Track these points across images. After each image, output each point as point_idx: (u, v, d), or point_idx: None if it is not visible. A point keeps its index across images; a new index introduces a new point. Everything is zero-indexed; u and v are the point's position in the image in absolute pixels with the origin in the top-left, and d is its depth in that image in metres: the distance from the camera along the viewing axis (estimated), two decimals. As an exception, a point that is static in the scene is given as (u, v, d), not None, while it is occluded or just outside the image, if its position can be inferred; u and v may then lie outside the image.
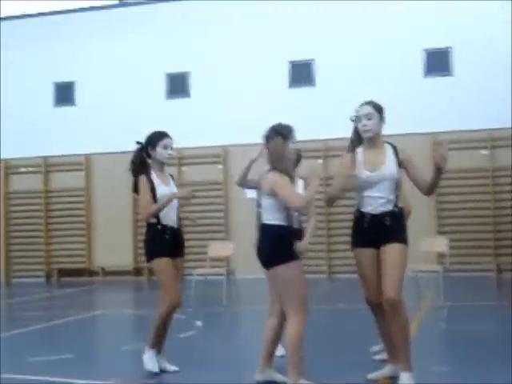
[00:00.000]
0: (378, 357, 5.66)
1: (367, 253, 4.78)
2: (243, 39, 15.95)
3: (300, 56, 15.77)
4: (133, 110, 16.46)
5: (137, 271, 16.38)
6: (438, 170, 4.63)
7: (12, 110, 17.12)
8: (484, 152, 14.60)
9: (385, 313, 4.68)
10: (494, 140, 14.49)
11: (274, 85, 15.76)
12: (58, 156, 17.04)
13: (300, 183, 5.59)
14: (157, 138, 5.52)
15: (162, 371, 5.38)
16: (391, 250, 4.70)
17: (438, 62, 15.01)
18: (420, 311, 8.64)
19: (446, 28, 14.86)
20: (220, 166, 16.05)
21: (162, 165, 5.55)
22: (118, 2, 17.16)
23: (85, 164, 16.99)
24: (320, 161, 15.41)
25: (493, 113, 14.21)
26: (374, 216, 4.78)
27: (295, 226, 4.81)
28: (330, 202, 4.91)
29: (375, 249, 4.78)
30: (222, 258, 13.08)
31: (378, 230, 4.74)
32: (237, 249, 11.69)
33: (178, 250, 5.46)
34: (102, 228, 16.75)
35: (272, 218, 4.74)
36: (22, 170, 17.41)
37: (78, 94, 17.18)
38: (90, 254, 16.90)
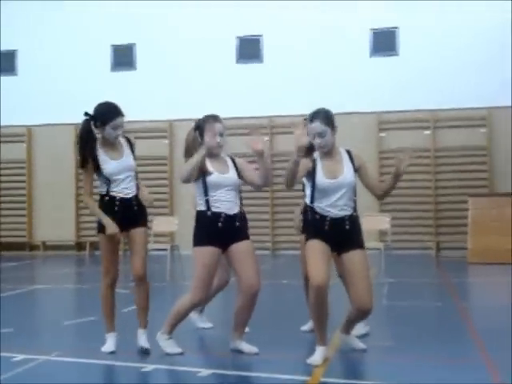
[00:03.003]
0: (305, 327, 5.91)
1: (323, 245, 4.80)
2: (192, 12, 15.75)
3: (248, 31, 15.69)
4: (77, 81, 16.12)
5: (79, 246, 16.16)
6: (396, 177, 4.85)
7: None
8: (426, 132, 14.86)
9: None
10: (436, 120, 14.76)
11: (221, 60, 15.65)
12: (-1, 127, 16.59)
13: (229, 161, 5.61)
14: (108, 116, 5.13)
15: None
16: (356, 259, 4.83)
17: (384, 42, 15.15)
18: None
19: (394, 8, 14.97)
20: (166, 141, 15.91)
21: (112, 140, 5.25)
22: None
23: (26, 135, 16.60)
24: (266, 138, 15.41)
25: (436, 93, 14.46)
26: (334, 220, 4.84)
27: (215, 209, 4.99)
28: (289, 182, 4.78)
29: (332, 250, 4.87)
30: (167, 233, 13.02)
31: (339, 234, 4.83)
32: (181, 224, 11.63)
33: (129, 221, 5.21)
34: (44, 202, 16.45)
35: (197, 202, 5.11)
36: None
37: (20, 62, 16.71)
38: (31, 228, 16.59)
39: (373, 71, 14.95)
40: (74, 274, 13.11)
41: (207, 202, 5.05)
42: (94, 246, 15.87)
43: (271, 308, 7.01)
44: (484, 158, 14.59)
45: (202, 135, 5.12)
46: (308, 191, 4.98)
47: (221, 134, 5.13)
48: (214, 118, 5.16)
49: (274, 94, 15.17)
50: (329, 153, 4.95)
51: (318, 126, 4.87)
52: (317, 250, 4.80)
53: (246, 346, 5.14)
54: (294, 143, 4.56)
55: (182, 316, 5.17)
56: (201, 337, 5.94)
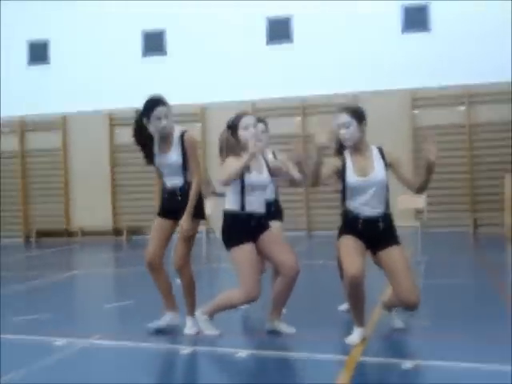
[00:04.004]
0: (342, 307, 5.92)
1: (356, 240, 4.79)
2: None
3: (278, 12, 15.58)
4: (109, 68, 16.24)
5: (116, 231, 16.35)
6: (429, 169, 4.72)
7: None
8: (461, 108, 14.64)
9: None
10: (470, 96, 14.53)
11: (251, 42, 15.60)
12: (34, 115, 16.79)
13: (271, 157, 5.66)
14: (148, 108, 5.14)
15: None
16: (395, 255, 4.79)
17: (416, 18, 14.92)
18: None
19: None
20: (198, 125, 15.95)
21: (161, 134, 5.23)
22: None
23: (61, 124, 16.79)
24: (298, 118, 15.37)
25: (469, 69, 14.22)
26: (367, 220, 4.81)
27: (249, 209, 4.99)
28: (313, 181, 4.75)
29: (366, 248, 4.87)
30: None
31: (372, 234, 4.81)
32: (216, 208, 11.69)
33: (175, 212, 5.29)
34: (81, 188, 16.65)
35: (226, 201, 5.08)
36: (3, 130, 17.15)
37: (53, 52, 16.87)
38: (69, 215, 16.83)
39: (405, 48, 14.75)
40: (112, 259, 13.28)
41: (242, 201, 5.04)
42: (131, 231, 16.05)
43: (307, 289, 7.02)
44: (521, 132, 14.33)
45: (235, 133, 5.09)
46: (340, 189, 4.93)
47: (254, 126, 5.11)
48: (242, 114, 5.16)
49: (306, 74, 15.08)
50: (359, 149, 4.88)
51: (343, 116, 4.84)
52: (350, 243, 4.79)
53: (283, 326, 5.18)
54: (313, 142, 4.53)
55: (231, 307, 5.20)
56: (238, 318, 5.98)
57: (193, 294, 5.36)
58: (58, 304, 7.12)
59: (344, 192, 4.89)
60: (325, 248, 12.19)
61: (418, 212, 12.71)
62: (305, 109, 15.39)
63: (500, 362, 4.16)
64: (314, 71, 15.07)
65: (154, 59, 16.25)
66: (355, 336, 4.79)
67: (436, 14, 14.76)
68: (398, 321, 5.16)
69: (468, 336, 4.99)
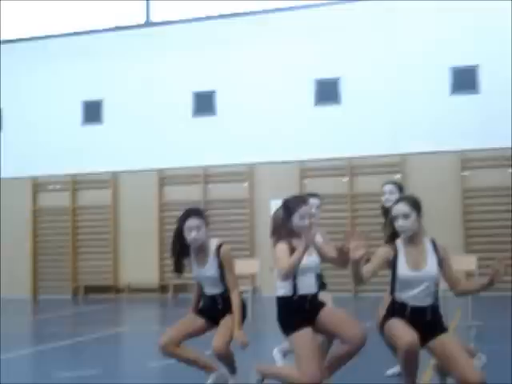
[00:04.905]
0: (390, 372, 5.80)
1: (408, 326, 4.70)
2: (269, 57, 16.03)
3: (326, 74, 15.79)
4: (160, 128, 16.61)
5: (162, 288, 16.41)
6: (489, 284, 4.65)
7: (41, 128, 17.37)
8: (509, 170, 14.45)
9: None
10: (519, 158, 14.35)
11: (299, 103, 15.80)
12: (86, 174, 17.20)
13: (320, 237, 5.60)
14: (182, 219, 5.29)
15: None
16: (447, 340, 4.70)
17: (464, 80, 14.93)
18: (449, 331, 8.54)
19: (474, 45, 14.80)
20: (245, 184, 16.08)
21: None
22: (144, 22, 17.36)
23: (111, 181, 17.13)
24: (345, 179, 15.37)
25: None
26: (415, 309, 4.74)
27: (302, 292, 4.91)
28: (357, 281, 4.70)
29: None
30: (248, 275, 13.06)
31: (420, 323, 4.70)
32: (262, 266, 11.67)
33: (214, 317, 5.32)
34: (128, 245, 16.84)
35: (278, 286, 4.94)
36: (50, 187, 17.60)
37: (106, 112, 17.36)
38: (116, 271, 16.99)
39: (454, 109, 14.73)
40: (158, 316, 13.29)
41: (295, 286, 4.95)
42: (177, 288, 16.09)
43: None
44: None
45: (289, 216, 5.01)
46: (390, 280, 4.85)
47: (310, 216, 5.05)
48: (303, 201, 5.09)
49: (353, 135, 15.16)
50: (413, 240, 4.80)
51: (403, 206, 4.76)
52: (400, 322, 4.70)
53: None
54: (351, 255, 4.49)
55: (285, 381, 5.04)
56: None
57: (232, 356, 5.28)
58: (104, 361, 7.13)
59: (393, 283, 4.82)
60: (372, 310, 11.98)
61: (469, 274, 12.44)
62: (352, 169, 15.40)
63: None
64: (362, 132, 15.14)
65: (204, 120, 16.56)
66: None
67: (485, 75, 14.74)
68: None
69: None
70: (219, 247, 5.26)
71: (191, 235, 5.16)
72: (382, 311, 5.11)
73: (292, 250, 4.90)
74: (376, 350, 5.40)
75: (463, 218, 14.45)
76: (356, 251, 4.46)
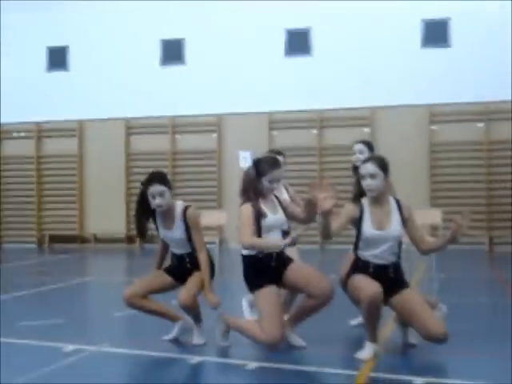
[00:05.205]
0: (354, 322, 5.89)
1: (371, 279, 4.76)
2: (240, 6, 15.72)
3: (297, 24, 15.58)
4: (127, 76, 16.30)
5: (129, 238, 16.35)
6: (451, 241, 4.71)
7: (6, 74, 16.92)
8: (480, 125, 14.54)
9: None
10: (490, 113, 14.42)
11: (270, 53, 15.60)
12: (51, 122, 16.88)
13: (284, 191, 5.69)
14: (145, 184, 5.22)
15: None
16: (409, 295, 4.79)
17: (435, 33, 14.85)
18: (412, 283, 8.65)
19: (445, -1, 14.68)
20: (214, 135, 15.95)
21: None
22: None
23: (78, 130, 16.86)
24: (315, 131, 15.33)
25: (490, 86, 14.12)
26: (377, 266, 4.82)
27: (266, 252, 4.91)
28: (325, 236, 4.73)
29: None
30: (215, 226, 13.06)
31: (382, 280, 4.75)
32: (229, 218, 11.67)
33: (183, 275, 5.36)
34: (95, 195, 16.69)
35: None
36: (14, 134, 17.27)
37: (72, 59, 16.97)
38: (82, 221, 16.86)
39: (424, 62, 14.67)
40: (124, 267, 13.27)
41: None
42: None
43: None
44: (540, 151, 14.20)
45: (259, 177, 5.01)
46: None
47: (278, 180, 5.07)
48: (277, 165, 5.07)
49: (323, 87, 15.05)
50: (378, 200, 4.85)
51: (371, 166, 4.80)
52: (363, 276, 4.77)
53: (294, 339, 5.11)
54: (320, 207, 4.48)
55: (250, 339, 5.04)
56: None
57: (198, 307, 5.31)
58: (68, 310, 7.09)
59: (357, 241, 4.88)
60: (337, 262, 12.10)
61: (434, 228, 12.60)
62: (322, 122, 15.34)
63: (515, 383, 4.08)
64: (332, 84, 15.03)
65: (173, 68, 16.29)
66: (367, 351, 4.72)
67: (456, 28, 14.67)
68: (411, 336, 5.08)
69: (480, 354, 4.90)
70: (185, 210, 5.26)
71: (155, 202, 5.16)
72: (345, 267, 5.17)
73: (257, 213, 4.93)
74: (340, 300, 5.44)
75: (430, 171, 14.56)
76: (325, 202, 4.46)
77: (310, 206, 4.74)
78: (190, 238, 5.26)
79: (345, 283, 5.01)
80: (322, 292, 4.86)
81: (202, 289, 5.20)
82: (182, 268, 5.33)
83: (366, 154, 5.87)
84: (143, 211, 5.30)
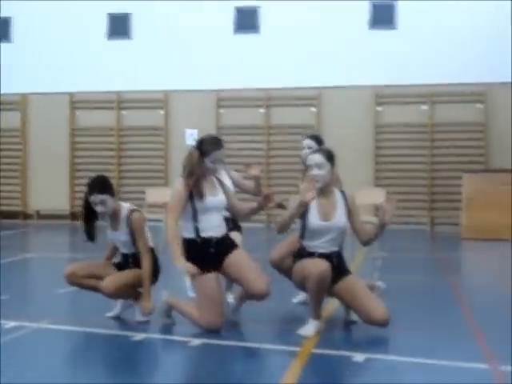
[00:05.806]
0: (296, 300, 5.99)
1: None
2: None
3: (246, 2, 15.49)
4: (72, 50, 15.94)
5: (73, 215, 16.13)
6: (381, 228, 4.88)
7: None
8: (424, 107, 14.79)
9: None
10: (434, 95, 14.68)
11: (218, 30, 15.48)
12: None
13: (225, 174, 5.68)
14: (87, 191, 5.28)
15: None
16: (350, 282, 4.93)
17: (383, 15, 14.98)
18: (355, 261, 8.81)
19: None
20: (161, 112, 15.80)
21: None
22: None
23: (20, 103, 16.47)
24: (262, 110, 15.34)
25: (434, 68, 14.36)
26: (321, 255, 4.88)
27: (205, 234, 4.92)
28: (283, 228, 4.83)
29: None
30: (161, 203, 12.98)
31: None
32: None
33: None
34: (38, 170, 16.36)
35: (181, 226, 4.98)
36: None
37: (15, 30, 16.52)
38: (25, 197, 16.54)
39: (371, 44, 14.81)
40: (67, 244, 13.11)
41: (196, 228, 4.96)
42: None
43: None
44: (480, 134, 14.52)
45: (203, 156, 5.00)
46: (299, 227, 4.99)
47: (221, 160, 5.10)
48: (220, 145, 5.06)
49: (271, 66, 15.05)
50: (324, 192, 4.93)
51: (318, 157, 4.90)
52: (310, 258, 4.86)
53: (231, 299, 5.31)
54: (300, 197, 4.60)
55: (189, 320, 5.09)
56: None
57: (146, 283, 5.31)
58: (9, 286, 6.99)
59: (302, 231, 4.94)
60: (283, 240, 12.21)
61: (377, 207, 12.81)
62: (269, 100, 15.36)
63: (450, 358, 4.22)
64: (280, 64, 15.04)
65: (119, 42, 16.02)
66: (310, 328, 4.80)
67: (403, 12, 14.83)
68: (353, 314, 5.19)
69: (419, 330, 5.05)
70: (129, 215, 5.29)
71: (97, 209, 5.23)
72: (280, 249, 5.37)
73: (189, 190, 4.91)
74: (282, 278, 5.53)
75: (374, 152, 14.75)
76: (307, 194, 4.55)
77: (257, 183, 5.06)
78: (134, 242, 5.33)
79: (279, 265, 5.20)
80: (257, 293, 4.89)
81: (137, 285, 5.27)
82: (125, 266, 5.43)
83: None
84: (89, 215, 5.34)
